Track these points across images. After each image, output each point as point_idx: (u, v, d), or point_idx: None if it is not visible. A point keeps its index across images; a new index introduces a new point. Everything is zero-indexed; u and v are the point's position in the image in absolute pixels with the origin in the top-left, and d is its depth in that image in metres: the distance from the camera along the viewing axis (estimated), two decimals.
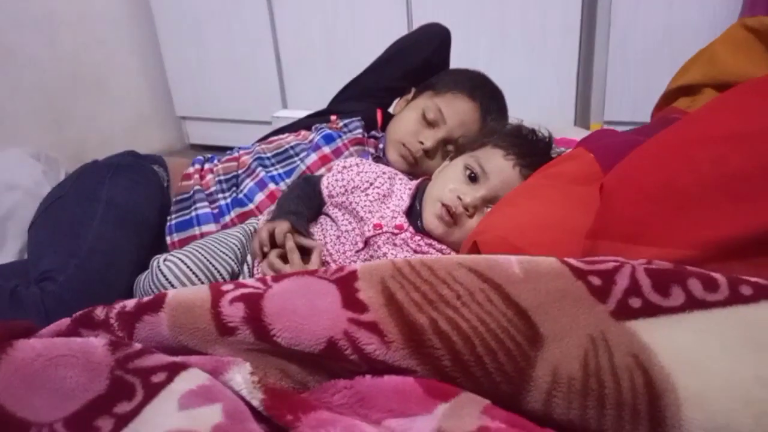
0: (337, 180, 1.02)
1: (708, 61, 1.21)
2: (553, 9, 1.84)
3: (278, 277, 0.59)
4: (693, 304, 0.48)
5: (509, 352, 0.49)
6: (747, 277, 0.50)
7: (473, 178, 0.97)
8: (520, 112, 1.27)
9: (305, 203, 1.02)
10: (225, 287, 0.58)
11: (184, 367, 0.51)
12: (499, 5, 1.89)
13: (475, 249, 0.78)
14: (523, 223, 0.76)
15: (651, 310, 0.49)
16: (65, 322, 0.59)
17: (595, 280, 0.51)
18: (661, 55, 1.76)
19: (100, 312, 0.60)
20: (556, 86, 1.95)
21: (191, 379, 0.50)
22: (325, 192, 1.03)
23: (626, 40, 1.82)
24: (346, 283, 0.56)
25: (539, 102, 1.92)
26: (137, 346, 0.52)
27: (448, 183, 0.98)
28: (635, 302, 0.49)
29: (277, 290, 0.57)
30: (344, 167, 1.04)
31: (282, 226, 0.92)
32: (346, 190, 1.01)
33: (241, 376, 0.52)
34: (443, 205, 0.94)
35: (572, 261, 0.53)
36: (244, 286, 0.58)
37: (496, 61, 1.93)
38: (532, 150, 1.01)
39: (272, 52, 2.26)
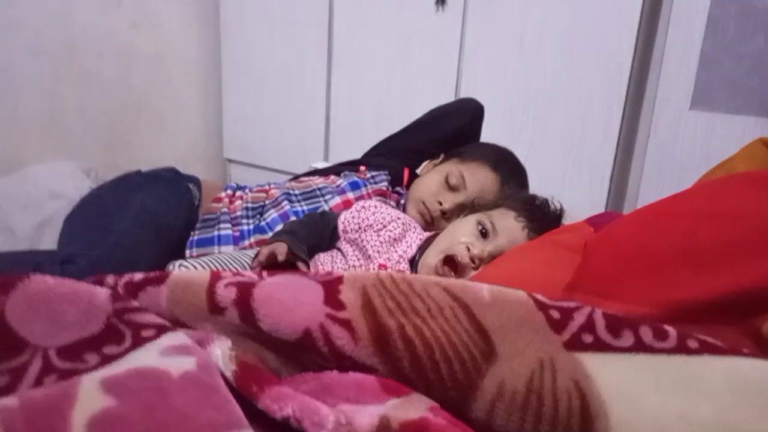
0: (353, 217, 1.09)
1: (727, 172, 1.26)
2: (595, 116, 1.92)
3: (273, 271, 0.65)
4: (640, 347, 0.52)
5: (464, 362, 0.53)
6: (697, 334, 0.53)
7: (484, 234, 1.02)
8: None
9: (308, 230, 1.06)
10: (224, 274, 0.64)
11: (172, 329, 0.56)
12: (544, 103, 1.99)
13: None
14: (511, 275, 0.81)
15: (600, 347, 0.52)
16: None
17: (555, 314, 0.55)
18: (697, 174, 1.79)
19: (110, 280, 0.66)
20: (589, 188, 2.00)
21: (176, 338, 0.55)
22: (340, 227, 1.09)
23: (663, 156, 1.88)
24: (331, 284, 0.61)
25: (570, 201, 1.96)
26: (136, 303, 0.58)
27: (459, 236, 1.03)
28: (587, 338, 0.53)
29: (269, 282, 0.62)
30: (363, 207, 1.10)
31: (280, 247, 0.94)
32: (359, 228, 1.07)
33: (220, 350, 0.57)
34: (448, 256, 0.98)
35: (538, 296, 0.58)
36: (242, 275, 0.64)
37: (534, 154, 2.00)
38: (542, 217, 1.07)
39: (323, 113, 2.40)
